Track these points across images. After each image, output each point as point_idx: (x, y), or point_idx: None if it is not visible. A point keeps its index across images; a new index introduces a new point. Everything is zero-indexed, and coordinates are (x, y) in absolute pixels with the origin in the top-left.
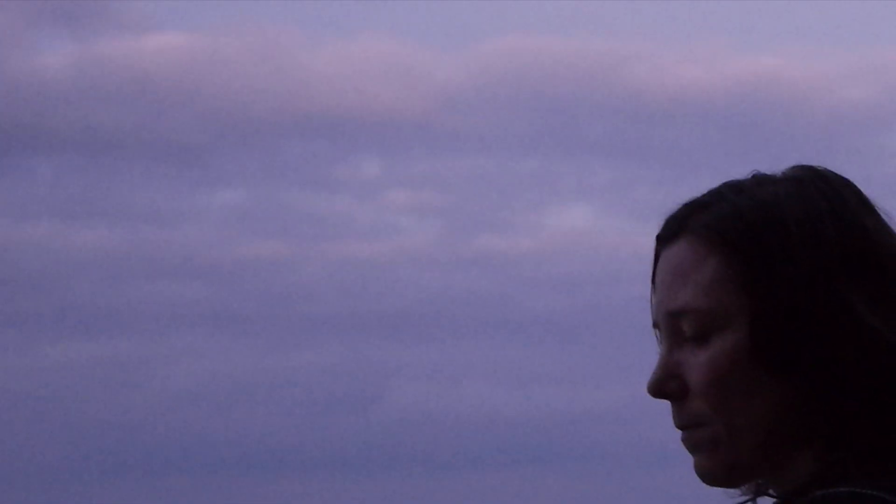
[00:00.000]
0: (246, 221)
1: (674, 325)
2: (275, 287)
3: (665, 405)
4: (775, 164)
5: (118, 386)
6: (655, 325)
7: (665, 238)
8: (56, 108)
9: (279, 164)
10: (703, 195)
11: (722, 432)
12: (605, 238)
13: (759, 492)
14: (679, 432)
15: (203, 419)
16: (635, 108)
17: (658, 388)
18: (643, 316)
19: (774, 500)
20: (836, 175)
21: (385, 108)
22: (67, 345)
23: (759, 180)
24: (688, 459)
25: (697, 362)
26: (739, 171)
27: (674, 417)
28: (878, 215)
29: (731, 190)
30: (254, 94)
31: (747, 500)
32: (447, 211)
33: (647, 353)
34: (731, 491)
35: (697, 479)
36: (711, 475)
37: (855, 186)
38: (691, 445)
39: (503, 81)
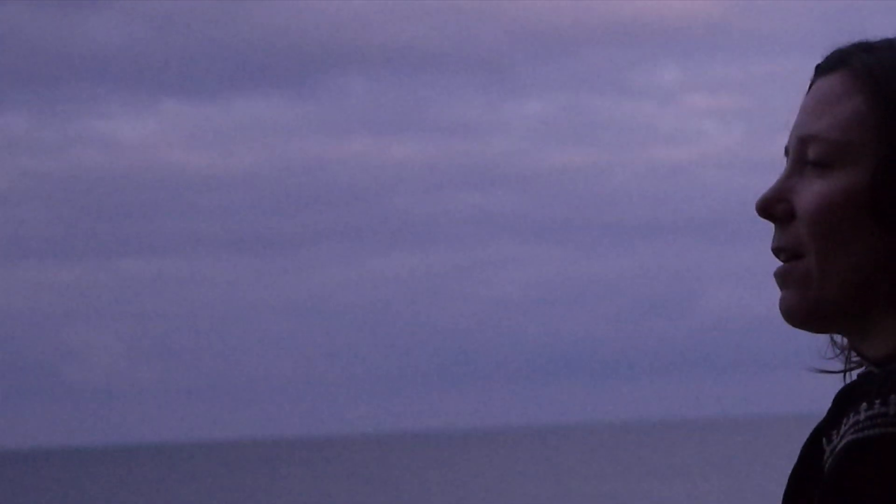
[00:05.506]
0: (552, 130)
1: (800, 151)
2: (584, 194)
3: None
4: None
5: (441, 295)
6: (786, 152)
7: (822, 69)
8: (367, 27)
9: (581, 72)
10: (877, 40)
11: (814, 269)
12: None
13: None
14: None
15: (523, 326)
16: None
17: (765, 207)
18: None
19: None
20: None
21: (681, 13)
22: (389, 256)
23: None
24: None
25: (811, 190)
26: None
27: (773, 239)
28: None
29: None
30: (555, 5)
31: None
32: (749, 113)
33: None
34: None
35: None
36: (794, 313)
37: None
38: (783, 279)
39: None
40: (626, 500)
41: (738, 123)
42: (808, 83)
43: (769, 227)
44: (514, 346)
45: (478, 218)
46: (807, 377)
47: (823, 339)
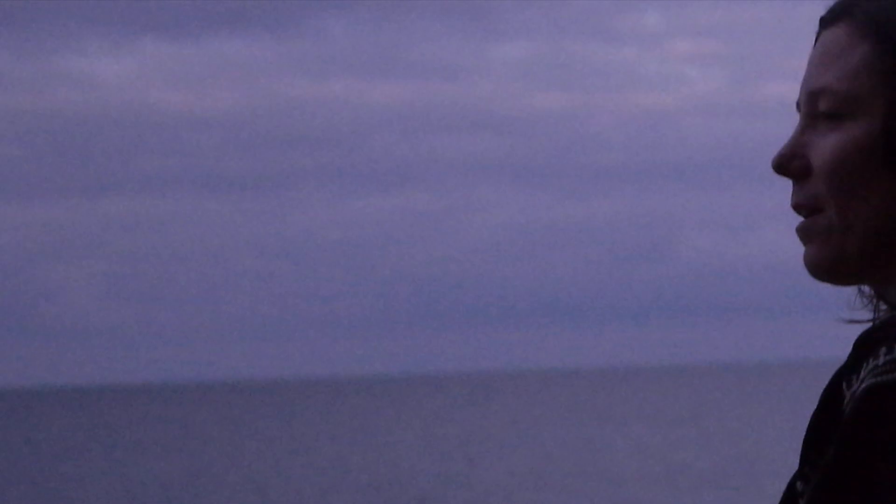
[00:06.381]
0: (534, 74)
1: (811, 105)
2: (566, 138)
3: None
4: None
5: (420, 237)
6: (798, 106)
7: (826, 21)
8: None
9: (564, 17)
10: None
11: (835, 222)
12: None
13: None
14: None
15: (503, 269)
16: None
17: (781, 164)
18: None
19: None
20: None
21: None
22: (369, 198)
23: None
24: None
25: (825, 143)
26: None
27: (792, 196)
28: None
29: None
30: None
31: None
32: (732, 59)
33: None
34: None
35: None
36: (818, 266)
37: None
38: (805, 234)
39: None
40: (605, 445)
41: (721, 69)
42: (814, 38)
43: (751, 172)
44: (494, 289)
45: (459, 161)
46: (787, 322)
47: (822, 286)
